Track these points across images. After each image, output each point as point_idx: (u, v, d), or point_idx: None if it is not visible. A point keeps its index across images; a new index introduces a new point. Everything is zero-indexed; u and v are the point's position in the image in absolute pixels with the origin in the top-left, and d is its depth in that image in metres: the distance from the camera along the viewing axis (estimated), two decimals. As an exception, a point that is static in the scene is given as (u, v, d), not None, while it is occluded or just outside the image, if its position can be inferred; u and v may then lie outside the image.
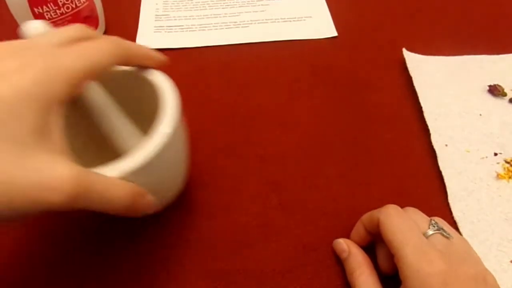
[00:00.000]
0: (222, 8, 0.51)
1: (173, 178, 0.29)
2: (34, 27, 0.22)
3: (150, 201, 0.25)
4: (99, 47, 0.22)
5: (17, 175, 0.18)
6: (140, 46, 0.26)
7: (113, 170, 0.22)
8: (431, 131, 0.37)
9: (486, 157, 0.36)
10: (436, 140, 0.37)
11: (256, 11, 0.51)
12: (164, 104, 0.25)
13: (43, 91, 0.19)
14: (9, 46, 0.20)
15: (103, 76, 0.23)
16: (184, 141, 0.28)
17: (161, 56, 0.27)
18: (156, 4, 0.52)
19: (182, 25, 0.49)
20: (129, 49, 0.25)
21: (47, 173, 0.19)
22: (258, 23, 0.49)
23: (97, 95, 0.26)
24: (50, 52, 0.20)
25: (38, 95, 0.19)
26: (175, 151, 0.27)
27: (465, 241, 0.28)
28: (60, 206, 0.19)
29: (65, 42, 0.21)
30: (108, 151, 0.27)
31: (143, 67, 0.27)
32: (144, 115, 0.28)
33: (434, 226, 0.27)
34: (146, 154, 0.23)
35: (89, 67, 0.21)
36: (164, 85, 0.26)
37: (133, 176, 0.22)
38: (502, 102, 0.40)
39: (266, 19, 0.50)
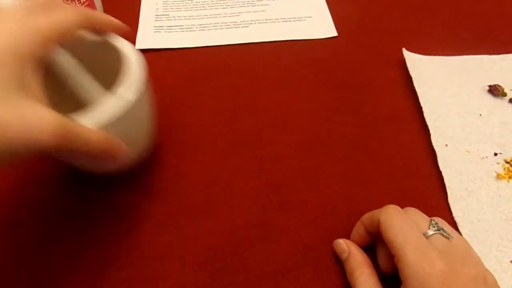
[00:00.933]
0: (222, 8, 0.51)
1: (140, 136, 0.32)
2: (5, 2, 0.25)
3: (125, 150, 0.27)
4: (66, 13, 0.25)
5: (6, 117, 0.20)
6: (103, 14, 0.29)
7: (87, 119, 0.25)
8: (431, 131, 0.37)
9: (486, 157, 0.36)
10: (436, 140, 0.37)
11: (256, 11, 0.51)
12: (129, 67, 0.29)
13: (17, 46, 0.22)
14: None
15: (75, 45, 0.28)
16: (150, 103, 0.32)
17: (122, 25, 0.30)
18: (156, 4, 0.52)
19: (182, 25, 0.49)
20: (92, 16, 0.27)
21: (33, 116, 0.21)
22: (258, 23, 0.49)
23: (66, 59, 0.29)
24: (24, 17, 0.23)
25: (13, 49, 0.21)
26: (141, 110, 0.30)
27: (465, 241, 0.28)
28: (46, 146, 0.21)
29: (36, 11, 0.24)
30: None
31: (109, 34, 0.30)
32: (110, 79, 0.31)
33: (434, 227, 0.27)
34: (113, 109, 0.26)
35: (57, 29, 0.24)
36: (129, 52, 0.30)
37: (104, 127, 0.26)
38: (502, 102, 0.40)
39: (266, 19, 0.50)
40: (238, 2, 0.52)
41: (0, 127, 0.20)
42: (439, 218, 0.28)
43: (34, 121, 0.21)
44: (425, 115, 0.38)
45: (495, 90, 0.41)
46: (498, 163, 0.36)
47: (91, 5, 0.44)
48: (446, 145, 0.37)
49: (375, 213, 0.29)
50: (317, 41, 0.47)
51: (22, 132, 0.21)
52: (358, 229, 0.31)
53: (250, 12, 0.51)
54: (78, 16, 0.26)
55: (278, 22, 0.49)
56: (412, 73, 0.41)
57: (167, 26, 0.49)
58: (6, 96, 0.21)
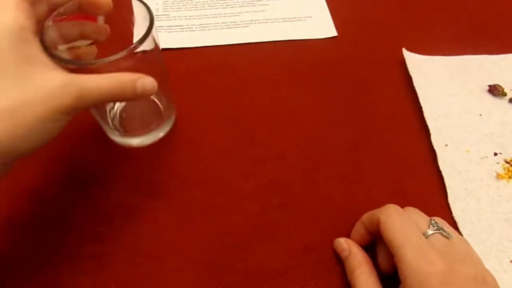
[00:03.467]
0: (222, 8, 0.51)
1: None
2: None
3: (144, 81, 0.27)
4: None
5: (24, 98, 0.22)
6: None
7: None
8: (431, 131, 0.37)
9: (486, 157, 0.36)
10: (436, 140, 0.37)
11: (256, 11, 0.51)
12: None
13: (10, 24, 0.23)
14: None
15: None
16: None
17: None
18: (156, 4, 0.52)
19: (182, 25, 0.49)
20: None
21: (50, 84, 0.23)
22: (258, 23, 0.49)
23: None
24: None
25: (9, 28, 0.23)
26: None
27: (465, 241, 0.28)
28: (74, 106, 0.24)
29: None
30: None
31: None
32: None
33: (434, 226, 0.27)
34: None
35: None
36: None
37: None
38: (502, 102, 0.40)
39: (266, 19, 0.49)
40: (238, 2, 0.52)
41: (24, 109, 0.22)
42: (439, 218, 0.28)
43: (52, 89, 0.23)
44: (425, 115, 0.38)
45: (495, 90, 0.41)
46: (498, 163, 0.36)
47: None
48: (446, 145, 0.37)
49: (375, 212, 0.29)
50: (317, 41, 0.47)
51: (44, 103, 0.23)
52: (358, 229, 0.31)
53: (250, 12, 0.51)
54: None
55: (278, 22, 0.49)
56: (412, 73, 0.41)
57: (167, 26, 0.49)
58: (21, 77, 0.23)
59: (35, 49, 0.24)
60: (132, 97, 0.27)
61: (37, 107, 0.23)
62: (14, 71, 0.22)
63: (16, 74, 0.22)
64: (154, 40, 0.30)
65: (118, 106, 0.37)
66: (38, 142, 0.24)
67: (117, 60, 0.26)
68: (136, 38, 0.29)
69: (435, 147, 0.36)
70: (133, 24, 0.32)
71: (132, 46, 0.27)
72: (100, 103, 0.27)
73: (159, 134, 0.37)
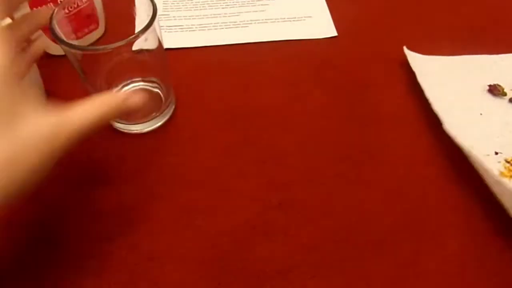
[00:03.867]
0: (222, 8, 0.51)
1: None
2: None
3: (135, 101, 0.28)
4: None
5: (19, 148, 0.23)
6: None
7: None
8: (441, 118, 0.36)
9: (488, 155, 0.36)
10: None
11: (256, 11, 0.51)
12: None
13: None
14: None
15: None
16: None
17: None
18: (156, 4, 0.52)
19: (182, 25, 0.49)
20: None
21: (40, 132, 0.23)
22: (258, 23, 0.49)
23: None
24: None
25: None
26: None
27: None
28: (66, 147, 0.24)
29: None
30: None
31: None
32: None
33: None
34: None
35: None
36: None
37: None
38: (502, 102, 0.40)
39: (266, 19, 0.49)
40: (238, 2, 0.52)
41: (18, 160, 0.22)
42: None
43: (37, 140, 0.23)
44: (432, 105, 0.37)
45: (495, 90, 0.41)
46: (499, 162, 0.36)
47: (91, 4, 0.44)
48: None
49: None
50: (317, 41, 0.47)
51: (35, 153, 0.23)
52: None
53: (250, 12, 0.51)
54: None
55: (278, 22, 0.49)
56: (415, 69, 0.41)
57: (166, 26, 0.49)
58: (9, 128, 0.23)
59: (19, 91, 0.24)
60: (120, 116, 0.29)
61: (31, 155, 0.23)
62: (5, 121, 0.23)
63: (7, 125, 0.23)
64: (156, 31, 0.32)
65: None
66: (38, 178, 0.24)
67: (123, 50, 0.29)
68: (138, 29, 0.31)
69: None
70: (135, 18, 0.35)
71: (136, 34, 0.30)
72: (90, 133, 0.27)
73: (159, 122, 0.39)
